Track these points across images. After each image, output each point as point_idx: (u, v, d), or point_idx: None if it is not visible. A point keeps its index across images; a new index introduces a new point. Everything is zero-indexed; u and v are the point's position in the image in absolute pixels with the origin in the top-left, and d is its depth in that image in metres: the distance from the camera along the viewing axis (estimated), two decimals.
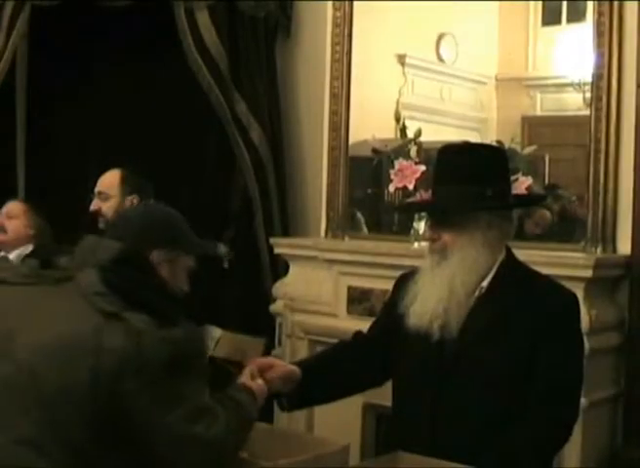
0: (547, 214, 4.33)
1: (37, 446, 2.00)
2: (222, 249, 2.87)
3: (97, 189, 4.10)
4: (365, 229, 4.80)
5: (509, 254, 2.64)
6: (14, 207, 4.52)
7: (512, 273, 2.61)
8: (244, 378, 2.44)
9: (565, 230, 4.33)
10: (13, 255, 4.42)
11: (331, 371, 2.79)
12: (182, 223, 2.51)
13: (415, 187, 4.33)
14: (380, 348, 2.80)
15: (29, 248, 4.43)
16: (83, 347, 2.03)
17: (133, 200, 4.05)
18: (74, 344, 2.04)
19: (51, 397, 2.01)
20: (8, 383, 2.04)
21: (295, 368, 2.67)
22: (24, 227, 4.45)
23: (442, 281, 2.54)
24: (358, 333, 2.95)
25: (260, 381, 2.46)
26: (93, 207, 4.08)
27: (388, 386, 2.80)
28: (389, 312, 2.80)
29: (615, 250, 3.92)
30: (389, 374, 2.80)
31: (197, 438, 2.07)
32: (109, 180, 4.10)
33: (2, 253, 4.45)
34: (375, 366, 2.82)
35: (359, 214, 4.83)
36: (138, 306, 2.08)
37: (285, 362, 4.45)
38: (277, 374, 2.59)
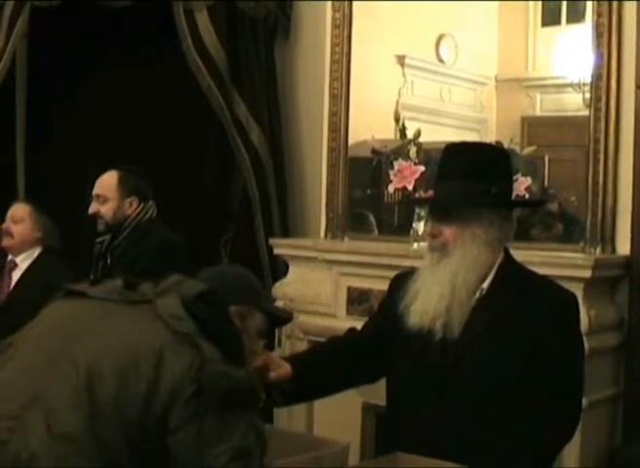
0: (561, 226, 4.33)
1: (79, 445, 1.99)
2: (288, 312, 2.86)
3: (94, 192, 4.09)
4: (376, 231, 4.79)
5: (508, 256, 2.64)
6: (18, 210, 4.48)
7: (512, 274, 2.61)
8: None
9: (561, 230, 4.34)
10: (19, 259, 4.41)
11: (324, 367, 2.78)
12: (258, 284, 2.60)
13: (414, 188, 4.33)
14: (373, 346, 2.80)
15: (37, 250, 4.42)
16: (146, 359, 2.02)
17: (132, 202, 4.05)
18: (138, 355, 2.03)
19: (103, 403, 2.00)
20: (67, 381, 2.03)
21: (288, 366, 2.66)
22: (31, 230, 4.42)
23: (444, 278, 2.54)
24: (352, 330, 2.96)
25: None
26: (91, 210, 4.08)
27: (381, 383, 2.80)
28: (385, 311, 2.80)
29: (614, 250, 3.92)
30: (382, 373, 2.80)
31: None
32: (107, 183, 4.09)
33: (10, 258, 4.44)
34: (367, 363, 2.81)
35: (371, 217, 4.83)
36: (210, 338, 2.08)
37: None
38: (275, 376, 2.61)
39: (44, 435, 1.99)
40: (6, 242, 4.42)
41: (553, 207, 4.36)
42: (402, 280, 2.74)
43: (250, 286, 2.53)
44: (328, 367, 2.79)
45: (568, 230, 4.32)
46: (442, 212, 2.60)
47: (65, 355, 2.07)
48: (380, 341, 2.78)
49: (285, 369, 2.65)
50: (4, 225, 4.42)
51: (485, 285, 2.57)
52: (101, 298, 2.20)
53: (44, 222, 4.45)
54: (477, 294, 2.57)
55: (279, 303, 4.65)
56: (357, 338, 2.90)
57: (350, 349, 2.85)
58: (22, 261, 4.40)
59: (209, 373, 2.02)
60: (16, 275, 4.40)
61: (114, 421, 1.99)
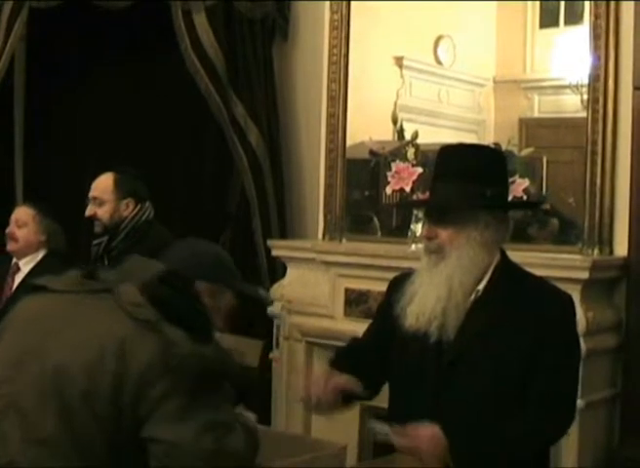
0: (556, 221, 4.33)
1: (52, 447, 2.00)
2: (262, 292, 2.91)
3: (91, 194, 4.10)
4: (379, 233, 4.79)
5: (504, 257, 2.64)
6: (22, 214, 4.45)
7: (508, 276, 2.61)
8: None
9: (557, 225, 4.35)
10: (23, 262, 4.41)
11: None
12: (230, 262, 2.57)
13: (412, 189, 4.33)
14: (376, 354, 2.78)
15: (41, 253, 4.41)
16: (111, 352, 2.03)
17: (128, 203, 4.05)
18: (102, 348, 2.04)
19: (72, 400, 2.01)
20: (35, 383, 2.05)
21: (354, 381, 2.63)
22: (35, 234, 4.40)
23: (440, 280, 2.54)
24: (354, 341, 2.94)
25: None
26: (88, 212, 4.09)
27: (385, 388, 2.80)
28: (384, 316, 2.79)
29: (611, 251, 3.92)
30: (385, 382, 2.79)
31: (206, 448, 2.05)
32: (103, 185, 4.10)
33: (14, 261, 4.44)
34: (371, 373, 2.76)
35: (376, 219, 4.83)
36: (174, 320, 2.09)
37: (283, 363, 4.51)
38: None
39: (19, 441, 2.01)
40: (10, 246, 4.41)
41: (546, 205, 4.36)
42: (399, 282, 2.74)
43: (220, 264, 2.51)
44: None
45: (562, 229, 4.32)
46: (437, 214, 2.60)
47: (33, 357, 2.09)
48: (380, 349, 2.76)
49: (354, 384, 2.63)
50: (8, 229, 4.41)
51: (481, 286, 2.57)
52: (62, 291, 2.22)
53: (48, 225, 4.43)
54: (473, 296, 2.57)
55: (277, 305, 4.66)
56: (358, 349, 2.87)
57: (355, 361, 2.79)
58: (26, 265, 4.40)
59: (176, 357, 2.03)
60: (18, 278, 4.39)
61: (86, 418, 2.00)
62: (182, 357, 2.03)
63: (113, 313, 2.10)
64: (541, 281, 2.68)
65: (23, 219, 4.42)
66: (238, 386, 2.29)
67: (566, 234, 4.28)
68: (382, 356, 2.76)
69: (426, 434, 2.41)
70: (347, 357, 2.84)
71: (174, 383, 2.02)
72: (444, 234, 2.56)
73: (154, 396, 2.01)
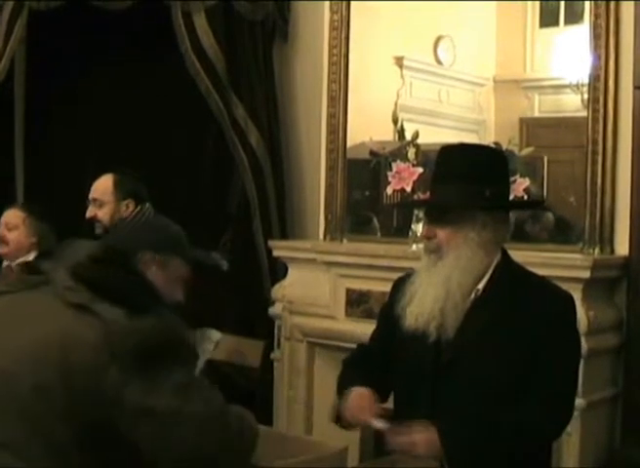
0: (551, 216, 4.33)
1: (15, 449, 2.00)
2: (216, 258, 2.79)
3: (91, 196, 4.10)
4: (380, 234, 4.79)
5: (505, 256, 2.64)
6: (12, 216, 4.43)
7: (508, 275, 2.61)
8: None
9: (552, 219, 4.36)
10: (15, 265, 4.40)
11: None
12: (177, 231, 2.51)
13: (412, 189, 4.33)
14: (384, 360, 2.77)
15: (32, 255, 4.40)
16: (54, 343, 2.04)
17: (128, 204, 4.05)
18: (44, 342, 2.05)
19: (25, 398, 2.01)
20: None
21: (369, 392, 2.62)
22: (25, 237, 4.39)
23: (438, 280, 2.55)
24: (361, 346, 2.94)
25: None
26: (88, 214, 4.09)
27: None
28: (387, 318, 2.79)
29: (612, 251, 3.92)
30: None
31: (180, 412, 2.05)
32: (103, 187, 4.10)
33: (6, 263, 4.43)
34: (381, 378, 2.75)
35: (375, 220, 4.83)
36: (109, 298, 2.08)
37: (284, 364, 4.51)
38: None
39: None
40: (1, 249, 4.41)
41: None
42: (401, 283, 2.75)
43: (164, 233, 2.46)
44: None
45: (562, 228, 4.33)
46: (436, 214, 2.61)
47: None
48: (389, 352, 2.76)
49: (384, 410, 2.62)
50: None
51: (480, 286, 2.57)
52: (5, 292, 2.22)
53: (39, 227, 4.41)
54: (473, 295, 2.57)
55: (278, 305, 4.66)
56: (369, 355, 2.86)
57: (368, 369, 2.79)
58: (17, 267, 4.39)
59: (115, 334, 2.02)
60: None
61: (45, 414, 2.01)
62: (121, 333, 2.02)
63: (52, 303, 2.11)
64: (542, 280, 2.68)
65: (14, 222, 4.41)
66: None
67: (565, 233, 4.29)
68: (388, 361, 2.77)
69: (421, 434, 2.41)
70: (358, 366, 2.83)
71: (122, 361, 2.01)
72: (442, 234, 2.57)
73: (112, 382, 2.01)
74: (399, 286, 2.74)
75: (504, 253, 2.64)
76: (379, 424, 2.49)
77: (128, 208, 4.06)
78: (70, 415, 2.01)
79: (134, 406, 2.02)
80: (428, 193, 2.77)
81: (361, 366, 2.83)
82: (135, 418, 2.04)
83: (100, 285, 2.11)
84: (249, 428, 2.24)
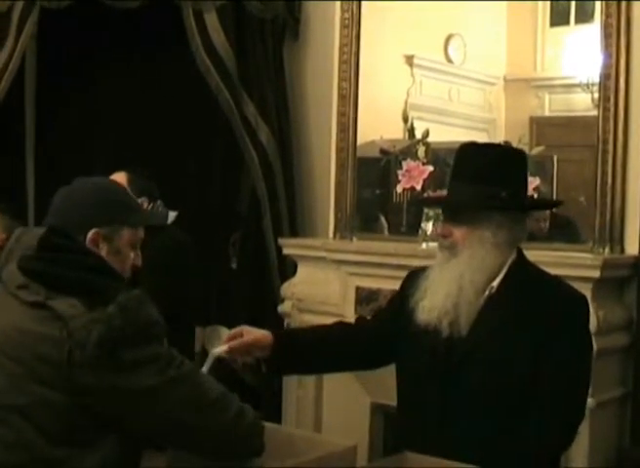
0: (546, 212, 4.33)
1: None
2: (172, 216, 2.64)
3: None
4: (390, 232, 4.80)
5: (520, 256, 2.64)
6: None
7: (522, 274, 2.61)
8: None
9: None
10: None
11: (320, 344, 2.84)
12: (119, 194, 2.36)
13: (422, 188, 4.34)
14: (378, 336, 2.83)
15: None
16: (14, 342, 2.02)
17: (142, 202, 4.05)
18: (7, 340, 2.03)
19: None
20: None
21: (266, 332, 2.70)
22: None
23: (451, 277, 2.55)
24: (360, 318, 3.07)
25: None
26: None
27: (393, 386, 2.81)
28: (396, 305, 2.81)
29: (622, 250, 3.92)
30: (380, 362, 2.85)
31: (171, 380, 2.05)
32: None
33: None
34: (367, 350, 2.85)
35: (383, 219, 4.83)
36: (63, 291, 2.03)
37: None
38: (248, 339, 2.65)
39: None
40: None
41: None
42: (415, 277, 2.75)
43: (106, 202, 2.29)
44: (325, 345, 2.84)
45: (572, 227, 4.33)
46: (452, 213, 2.62)
47: None
48: (385, 332, 2.81)
49: (263, 334, 2.70)
50: None
51: (495, 283, 2.57)
52: None
53: (8, 224, 4.40)
54: (487, 293, 2.57)
55: (288, 303, 4.66)
56: (362, 326, 2.95)
57: (352, 334, 2.89)
58: None
59: (76, 331, 1.97)
60: None
61: (10, 409, 1.99)
62: (81, 329, 1.97)
63: (6, 302, 2.08)
64: (556, 280, 2.67)
65: None
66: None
67: (575, 232, 4.29)
68: (383, 340, 2.81)
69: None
70: (349, 329, 2.93)
71: (90, 356, 1.96)
72: (457, 233, 2.57)
73: (82, 374, 1.97)
74: (413, 279, 2.75)
75: (520, 253, 2.64)
76: (216, 351, 2.58)
77: (142, 206, 4.06)
78: (38, 407, 1.99)
79: (114, 391, 1.99)
80: (445, 191, 2.78)
81: (346, 325, 2.96)
82: (117, 402, 2.01)
83: (53, 278, 2.05)
84: (250, 414, 2.20)
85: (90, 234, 2.21)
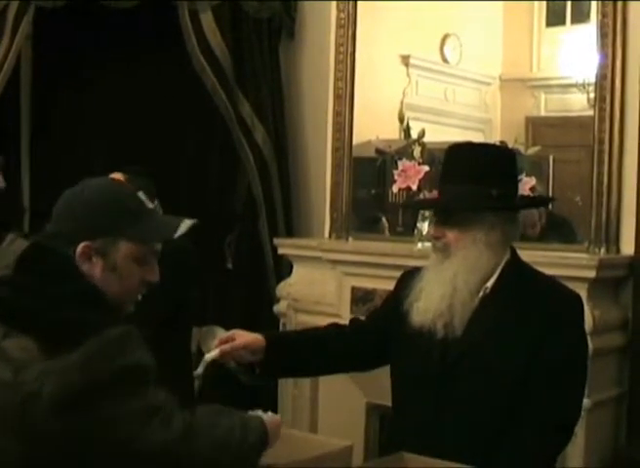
0: (536, 214, 4.32)
1: None
2: (185, 225, 2.20)
3: None
4: (386, 232, 4.80)
5: (514, 256, 2.64)
6: None
7: (517, 274, 2.61)
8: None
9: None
10: None
11: (314, 347, 2.83)
12: (120, 201, 2.04)
13: (418, 188, 4.34)
14: (372, 337, 2.83)
15: None
16: None
17: None
18: None
19: None
20: None
21: (258, 336, 2.70)
22: None
23: (445, 278, 2.55)
24: (354, 319, 3.04)
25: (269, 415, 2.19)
26: None
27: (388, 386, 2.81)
28: (390, 306, 2.81)
29: (618, 250, 3.92)
30: (375, 363, 2.85)
31: (135, 440, 1.79)
32: None
33: None
34: (361, 352, 2.85)
35: (384, 219, 4.83)
36: (23, 328, 1.75)
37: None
38: (240, 343, 2.64)
39: None
40: None
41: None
42: (409, 278, 2.75)
43: (102, 210, 2.00)
44: (318, 347, 2.83)
45: (567, 227, 4.34)
46: (444, 215, 2.61)
47: None
48: (379, 333, 2.80)
49: (255, 338, 2.69)
50: None
51: (489, 284, 2.57)
52: None
53: None
54: (481, 293, 2.57)
55: (283, 303, 4.66)
56: (356, 327, 2.94)
57: (345, 335, 2.88)
58: None
59: (27, 381, 1.72)
60: None
61: None
62: (34, 382, 1.70)
63: None
64: (551, 280, 2.67)
65: None
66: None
67: (571, 232, 4.29)
68: (378, 341, 2.81)
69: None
70: (342, 331, 2.91)
71: (47, 406, 1.71)
72: (450, 234, 2.57)
73: (54, 429, 1.73)
74: (407, 280, 2.74)
75: (514, 253, 2.63)
76: (208, 356, 2.58)
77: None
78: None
79: (82, 441, 1.76)
80: (436, 192, 2.77)
81: (340, 326, 2.94)
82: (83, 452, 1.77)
83: (13, 311, 1.77)
84: (245, 441, 2.00)
85: (79, 248, 1.94)
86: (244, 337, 2.68)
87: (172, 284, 3.62)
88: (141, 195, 1.93)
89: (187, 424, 1.87)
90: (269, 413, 2.25)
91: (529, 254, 2.88)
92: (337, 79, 4.77)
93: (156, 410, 1.82)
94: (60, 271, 1.88)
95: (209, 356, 2.60)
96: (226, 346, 2.63)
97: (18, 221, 4.87)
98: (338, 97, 4.77)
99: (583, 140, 4.13)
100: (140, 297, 2.08)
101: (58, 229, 1.99)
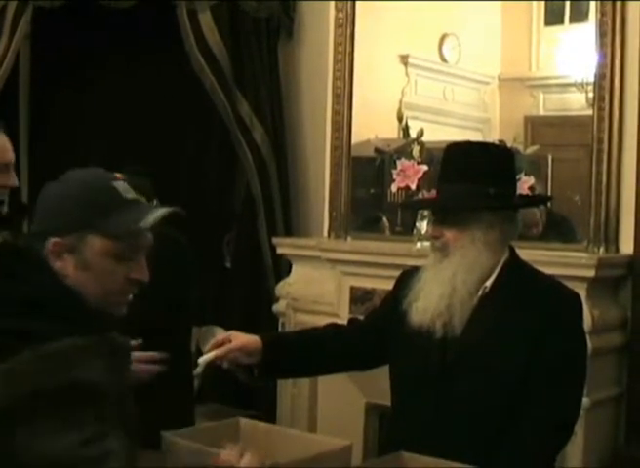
0: (537, 213, 4.32)
1: None
2: (154, 216, 1.94)
3: None
4: (385, 232, 4.80)
5: (513, 255, 2.64)
6: None
7: (516, 273, 2.61)
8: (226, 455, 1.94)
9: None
10: None
11: (312, 347, 2.83)
12: (94, 191, 1.90)
13: (417, 187, 4.34)
14: (371, 336, 2.83)
15: None
16: None
17: None
18: None
19: None
20: None
21: (254, 337, 2.69)
22: None
23: (444, 278, 2.54)
24: (353, 319, 3.05)
25: (247, 459, 1.93)
26: None
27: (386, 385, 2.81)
28: (389, 306, 2.80)
29: (617, 249, 3.92)
30: (374, 362, 2.85)
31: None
32: None
33: None
34: (360, 351, 2.85)
35: (385, 219, 4.83)
36: None
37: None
38: (236, 345, 2.63)
39: None
40: None
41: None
42: (408, 277, 2.74)
43: (73, 202, 1.86)
44: (316, 348, 2.83)
45: (566, 226, 4.34)
46: (442, 214, 2.61)
47: None
48: (378, 333, 2.80)
49: (251, 339, 2.68)
50: None
51: (488, 283, 2.57)
52: None
53: None
54: (480, 292, 2.57)
55: (282, 302, 4.66)
56: (355, 327, 2.94)
57: (344, 336, 2.88)
58: None
59: None
60: None
61: None
62: None
63: None
64: (550, 279, 2.67)
65: None
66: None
67: (570, 231, 4.29)
68: (377, 341, 2.80)
69: None
70: (341, 331, 2.91)
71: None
72: (449, 234, 2.56)
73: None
74: (406, 280, 2.73)
75: (513, 252, 2.63)
76: (204, 359, 2.57)
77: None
78: None
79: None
80: (434, 192, 2.77)
81: (338, 326, 2.94)
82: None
83: None
84: None
85: (49, 245, 1.81)
86: (240, 339, 2.67)
87: (168, 282, 3.63)
88: (123, 186, 1.85)
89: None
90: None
91: (528, 253, 2.88)
92: (335, 78, 4.77)
93: (85, 443, 1.61)
94: (21, 273, 1.76)
95: (203, 359, 2.60)
96: (221, 350, 2.62)
97: (18, 221, 4.86)
98: (336, 96, 4.77)
99: (582, 140, 4.13)
100: (130, 298, 1.94)
101: (35, 226, 1.88)
